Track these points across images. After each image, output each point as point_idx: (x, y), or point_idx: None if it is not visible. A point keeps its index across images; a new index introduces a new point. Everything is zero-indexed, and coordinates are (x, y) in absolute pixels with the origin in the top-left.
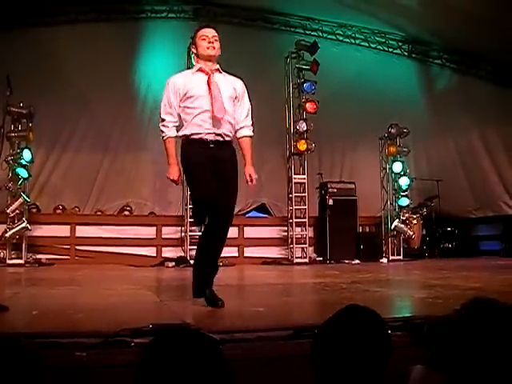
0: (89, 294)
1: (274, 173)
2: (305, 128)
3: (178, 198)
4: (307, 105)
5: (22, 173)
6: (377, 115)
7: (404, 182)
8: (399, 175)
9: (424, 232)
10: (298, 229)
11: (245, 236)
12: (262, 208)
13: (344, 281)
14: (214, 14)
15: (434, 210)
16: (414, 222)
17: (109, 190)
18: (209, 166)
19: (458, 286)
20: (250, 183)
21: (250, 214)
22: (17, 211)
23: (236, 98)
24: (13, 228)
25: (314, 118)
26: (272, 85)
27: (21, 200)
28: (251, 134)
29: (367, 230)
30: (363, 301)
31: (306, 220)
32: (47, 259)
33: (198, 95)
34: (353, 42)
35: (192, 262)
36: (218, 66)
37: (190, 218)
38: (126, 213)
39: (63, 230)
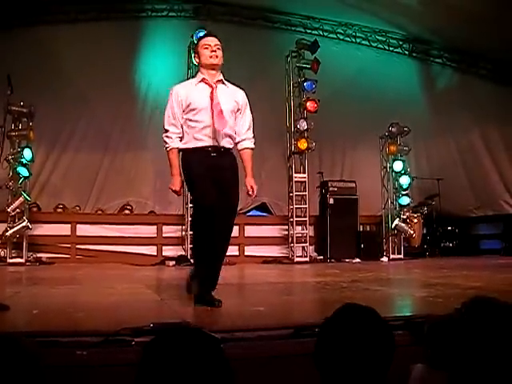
0: (89, 293)
1: (274, 172)
2: (305, 127)
3: (179, 196)
4: (308, 104)
5: (23, 172)
6: (377, 114)
7: (404, 180)
8: (400, 174)
9: (424, 231)
10: (299, 228)
11: (245, 235)
12: (262, 207)
13: (344, 280)
14: (215, 12)
15: (434, 208)
16: (415, 220)
17: (109, 188)
18: (209, 175)
19: (458, 285)
20: (251, 194)
21: (250, 213)
22: (17, 210)
23: (238, 110)
24: (13, 227)
25: (315, 117)
26: (272, 84)
27: (21, 199)
28: (252, 146)
29: (368, 228)
30: (364, 300)
31: (307, 219)
32: (48, 258)
33: (201, 108)
34: (353, 40)
35: (192, 261)
36: (221, 77)
37: (190, 217)
38: (127, 212)
39: (64, 229)
